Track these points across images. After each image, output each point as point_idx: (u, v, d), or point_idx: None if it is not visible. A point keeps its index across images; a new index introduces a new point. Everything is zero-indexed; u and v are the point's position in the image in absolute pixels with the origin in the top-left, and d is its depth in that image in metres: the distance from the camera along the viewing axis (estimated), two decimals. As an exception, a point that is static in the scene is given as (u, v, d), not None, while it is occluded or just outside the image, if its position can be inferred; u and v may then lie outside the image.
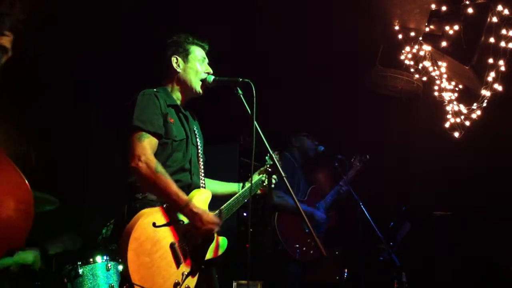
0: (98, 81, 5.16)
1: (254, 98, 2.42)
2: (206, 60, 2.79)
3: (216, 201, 2.73)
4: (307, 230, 4.32)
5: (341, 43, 4.81)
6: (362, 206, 4.07)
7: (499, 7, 3.92)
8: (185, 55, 2.72)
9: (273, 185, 2.92)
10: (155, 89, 2.60)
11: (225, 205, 2.67)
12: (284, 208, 4.16)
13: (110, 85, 5.18)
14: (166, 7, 4.44)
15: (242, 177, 5.16)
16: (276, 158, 2.56)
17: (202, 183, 2.70)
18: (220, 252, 2.58)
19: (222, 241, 2.59)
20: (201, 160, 2.73)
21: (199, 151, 2.73)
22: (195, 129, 2.76)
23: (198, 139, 2.75)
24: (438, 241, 5.24)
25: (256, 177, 2.98)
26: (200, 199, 2.54)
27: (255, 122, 2.44)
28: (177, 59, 2.70)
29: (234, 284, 4.07)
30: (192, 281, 2.38)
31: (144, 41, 4.44)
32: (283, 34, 4.83)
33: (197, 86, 2.71)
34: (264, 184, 2.97)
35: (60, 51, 4.02)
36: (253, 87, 2.46)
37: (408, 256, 4.57)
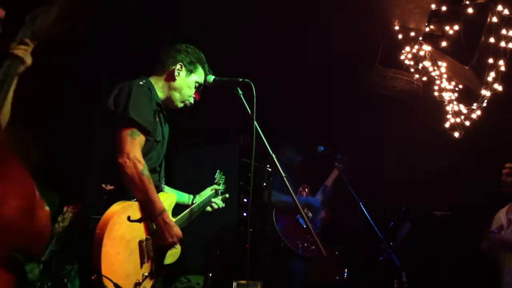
0: (101, 80, 5.14)
1: (254, 98, 2.42)
2: (201, 87, 2.76)
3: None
4: (305, 226, 4.36)
5: (341, 43, 4.81)
6: (362, 206, 4.07)
7: (499, 7, 3.93)
8: (189, 70, 2.68)
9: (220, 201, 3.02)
10: (143, 81, 2.53)
11: (178, 217, 2.65)
12: (279, 204, 4.19)
13: (113, 85, 5.15)
14: (167, 8, 4.44)
15: (242, 177, 5.17)
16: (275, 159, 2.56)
17: (163, 188, 2.69)
18: (175, 259, 2.55)
19: (177, 248, 2.55)
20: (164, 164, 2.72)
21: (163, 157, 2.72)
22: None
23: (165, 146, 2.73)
24: (438, 241, 5.24)
25: (207, 193, 3.00)
26: (165, 203, 2.51)
27: (255, 122, 2.44)
28: (181, 67, 2.66)
29: (234, 284, 4.07)
30: (148, 283, 2.35)
31: (145, 41, 4.44)
32: (283, 34, 4.83)
33: (179, 104, 2.69)
34: (213, 202, 3.02)
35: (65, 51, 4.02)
36: (253, 87, 2.45)
37: (408, 256, 4.57)
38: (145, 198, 2.32)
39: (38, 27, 1.82)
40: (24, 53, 1.80)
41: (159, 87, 2.65)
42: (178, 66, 2.65)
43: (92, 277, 2.08)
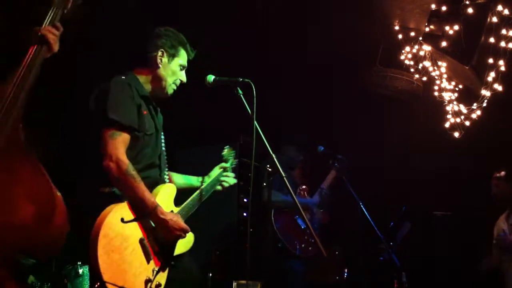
0: (100, 80, 5.14)
1: (254, 98, 2.41)
2: (185, 69, 2.72)
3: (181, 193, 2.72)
4: (303, 227, 4.37)
5: (341, 43, 4.81)
6: (362, 206, 4.07)
7: (499, 7, 3.93)
8: (171, 54, 2.63)
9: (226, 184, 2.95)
10: (124, 77, 2.49)
11: (184, 203, 2.63)
12: (279, 204, 4.19)
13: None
14: (166, 7, 4.43)
15: (241, 177, 5.16)
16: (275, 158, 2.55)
17: (167, 179, 2.66)
18: (188, 247, 2.56)
19: (189, 236, 2.55)
20: (164, 155, 2.68)
21: (163, 146, 2.67)
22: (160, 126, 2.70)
23: (162, 137, 2.69)
24: (438, 241, 5.24)
25: (216, 172, 2.94)
26: (165, 194, 2.51)
27: (255, 122, 2.44)
28: (163, 53, 2.61)
29: (234, 284, 4.07)
30: (162, 277, 2.35)
31: (145, 40, 4.43)
32: (283, 34, 4.83)
33: (169, 89, 2.64)
34: (223, 180, 2.95)
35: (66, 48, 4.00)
36: (253, 87, 2.45)
37: (408, 256, 4.57)
38: (134, 197, 2.28)
39: (70, 5, 1.70)
40: (55, 38, 1.67)
41: (144, 78, 2.60)
42: (159, 53, 2.60)
43: (96, 285, 2.07)
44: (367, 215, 4.00)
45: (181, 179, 2.91)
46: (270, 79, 4.88)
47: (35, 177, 1.49)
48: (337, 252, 4.97)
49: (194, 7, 4.42)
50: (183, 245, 2.52)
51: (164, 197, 2.50)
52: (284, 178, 2.45)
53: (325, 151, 4.67)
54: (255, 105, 2.42)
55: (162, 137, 2.68)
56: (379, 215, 4.21)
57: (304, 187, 4.75)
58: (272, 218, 4.27)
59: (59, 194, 1.53)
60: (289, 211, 4.36)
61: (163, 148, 2.67)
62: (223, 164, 3.00)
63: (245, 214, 5.05)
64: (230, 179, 2.98)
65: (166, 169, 2.68)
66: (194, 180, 2.92)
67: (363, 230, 4.14)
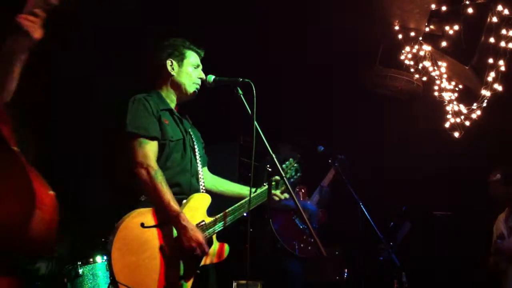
0: (98, 79, 5.15)
1: (254, 98, 2.42)
2: (200, 67, 2.78)
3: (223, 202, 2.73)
4: (301, 226, 4.37)
5: (341, 43, 4.81)
6: (362, 206, 4.07)
7: (499, 7, 3.93)
8: (180, 59, 2.70)
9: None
10: (145, 94, 2.60)
11: (212, 219, 2.60)
12: (278, 207, 4.18)
13: (111, 83, 5.16)
14: (166, 7, 4.43)
15: (242, 177, 5.16)
16: (275, 159, 2.55)
17: (202, 186, 2.68)
18: (221, 258, 2.59)
19: (224, 247, 2.60)
20: (200, 163, 2.73)
21: (197, 153, 2.72)
22: (191, 132, 2.76)
23: (195, 142, 2.74)
24: (438, 241, 5.24)
25: (264, 187, 2.88)
26: (196, 204, 2.53)
27: (255, 122, 2.44)
28: (172, 62, 2.69)
29: (234, 284, 4.06)
30: (186, 285, 2.35)
31: (145, 40, 4.43)
32: (283, 34, 4.82)
33: (191, 89, 2.71)
34: (274, 192, 2.90)
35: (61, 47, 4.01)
36: (253, 87, 2.45)
37: (408, 256, 4.57)
38: (160, 201, 2.34)
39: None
40: (33, 26, 1.60)
41: (165, 91, 2.70)
42: (168, 62, 2.68)
43: (111, 285, 2.11)
44: (367, 215, 4.00)
45: (232, 187, 2.94)
46: (270, 79, 4.87)
47: (18, 172, 1.47)
48: (337, 252, 4.97)
49: (194, 7, 4.43)
50: (216, 255, 2.54)
51: (194, 207, 2.51)
52: (284, 178, 2.45)
53: (325, 151, 4.67)
54: (255, 105, 2.42)
55: (196, 145, 2.73)
56: (379, 215, 4.21)
57: (302, 186, 4.74)
58: (270, 219, 4.27)
59: (51, 192, 1.52)
60: (288, 211, 4.35)
61: (198, 155, 2.71)
62: (276, 178, 2.86)
63: (245, 214, 5.04)
64: (279, 195, 2.92)
65: (201, 177, 2.70)
66: (244, 190, 2.91)
67: (363, 230, 4.14)
